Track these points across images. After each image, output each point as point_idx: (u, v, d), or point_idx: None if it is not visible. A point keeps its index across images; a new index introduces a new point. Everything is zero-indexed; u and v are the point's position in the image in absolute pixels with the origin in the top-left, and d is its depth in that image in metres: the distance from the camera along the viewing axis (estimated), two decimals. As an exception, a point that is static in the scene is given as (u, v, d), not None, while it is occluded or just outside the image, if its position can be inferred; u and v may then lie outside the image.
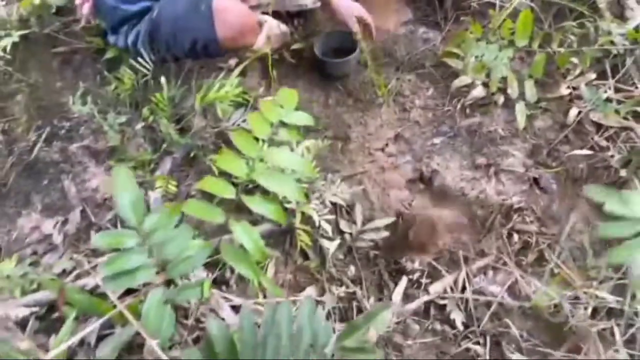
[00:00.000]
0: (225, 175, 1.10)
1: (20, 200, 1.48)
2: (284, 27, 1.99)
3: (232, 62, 1.89)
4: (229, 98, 1.58)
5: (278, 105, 1.05)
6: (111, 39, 1.78)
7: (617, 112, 1.72)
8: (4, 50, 1.76)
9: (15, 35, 1.73)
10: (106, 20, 1.78)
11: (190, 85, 1.78)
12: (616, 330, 1.21)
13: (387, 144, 1.86)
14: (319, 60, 1.96)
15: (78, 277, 1.33)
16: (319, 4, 2.04)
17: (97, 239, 0.95)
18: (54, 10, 1.91)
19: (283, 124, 1.04)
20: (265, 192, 1.01)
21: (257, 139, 1.04)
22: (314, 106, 1.96)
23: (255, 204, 0.99)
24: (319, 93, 1.99)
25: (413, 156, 1.84)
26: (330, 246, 1.50)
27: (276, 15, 2.00)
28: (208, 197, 1.51)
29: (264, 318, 0.97)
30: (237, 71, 1.71)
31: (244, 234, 1.00)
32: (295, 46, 1.97)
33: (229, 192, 1.00)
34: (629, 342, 1.21)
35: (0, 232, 1.42)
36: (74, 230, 1.43)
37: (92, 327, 1.11)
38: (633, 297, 1.24)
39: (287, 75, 2.02)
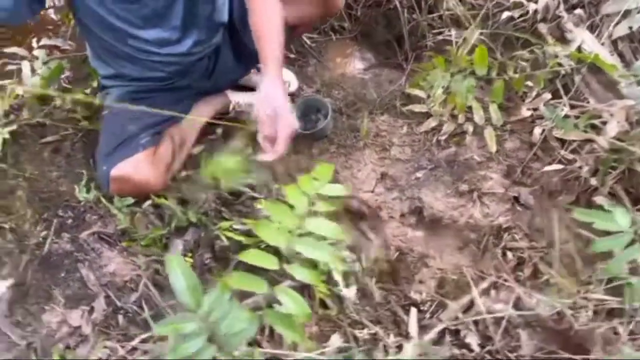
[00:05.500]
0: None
1: (42, 296, 1.50)
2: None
3: (219, 130, 1.98)
4: (237, 175, 1.64)
5: (312, 178, 1.14)
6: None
7: (576, 126, 1.89)
8: (-4, 148, 1.76)
9: (5, 132, 1.75)
10: None
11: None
12: (620, 328, 1.35)
13: (375, 184, 1.98)
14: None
15: (115, 363, 1.37)
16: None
17: (159, 328, 1.01)
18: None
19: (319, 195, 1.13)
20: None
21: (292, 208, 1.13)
22: (300, 158, 2.06)
23: (298, 272, 1.08)
24: (302, 145, 2.09)
25: (400, 191, 1.97)
26: (347, 293, 1.59)
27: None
28: (223, 264, 1.57)
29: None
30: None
31: (291, 301, 1.08)
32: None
33: (272, 264, 1.08)
34: (633, 339, 1.35)
35: (28, 332, 1.43)
36: (101, 317, 1.46)
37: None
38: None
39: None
